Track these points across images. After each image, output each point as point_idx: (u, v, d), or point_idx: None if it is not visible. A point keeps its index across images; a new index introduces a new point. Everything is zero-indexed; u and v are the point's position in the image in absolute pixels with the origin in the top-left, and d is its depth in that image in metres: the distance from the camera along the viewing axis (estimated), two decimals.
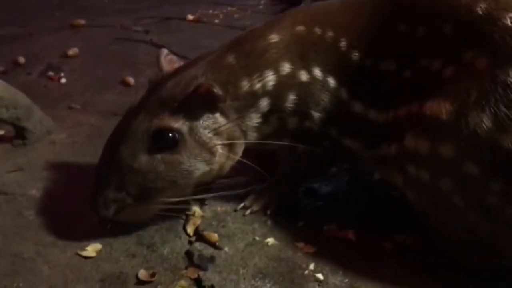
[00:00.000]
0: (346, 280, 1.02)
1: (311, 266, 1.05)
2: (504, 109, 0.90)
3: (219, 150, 1.13)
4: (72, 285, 1.03)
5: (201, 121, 1.11)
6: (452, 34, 1.00)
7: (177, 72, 1.19)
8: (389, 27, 1.09)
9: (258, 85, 1.15)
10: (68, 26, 2.85)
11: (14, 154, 1.53)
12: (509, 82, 0.91)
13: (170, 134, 1.09)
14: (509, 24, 0.94)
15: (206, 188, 1.18)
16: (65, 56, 2.42)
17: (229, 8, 3.12)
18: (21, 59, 2.35)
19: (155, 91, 1.15)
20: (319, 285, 1.01)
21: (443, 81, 0.98)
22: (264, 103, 1.16)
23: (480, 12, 0.97)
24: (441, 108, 0.94)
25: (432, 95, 0.97)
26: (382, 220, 1.17)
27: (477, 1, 0.98)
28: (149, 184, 1.09)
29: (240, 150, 1.18)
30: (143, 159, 1.09)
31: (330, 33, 1.14)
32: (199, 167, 1.11)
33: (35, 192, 1.34)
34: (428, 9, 1.05)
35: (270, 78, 1.15)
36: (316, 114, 1.15)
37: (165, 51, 1.28)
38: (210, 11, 3.06)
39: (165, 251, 1.11)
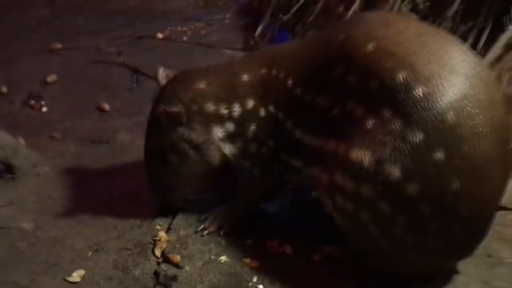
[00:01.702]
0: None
1: (254, 279, 1.30)
2: (410, 164, 1.10)
3: (194, 158, 1.46)
4: None
5: (174, 134, 1.45)
6: (377, 90, 1.16)
7: (160, 93, 1.53)
8: (327, 68, 1.27)
9: (224, 111, 1.44)
10: (46, 50, 3.00)
11: (5, 188, 1.75)
12: (415, 144, 1.09)
13: (160, 150, 1.47)
14: (420, 95, 1.10)
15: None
16: (45, 82, 2.61)
17: (196, 24, 3.30)
18: (4, 88, 2.54)
19: (151, 111, 1.54)
20: None
21: (365, 129, 1.16)
22: (229, 125, 1.44)
23: (400, 79, 1.13)
24: (363, 156, 1.14)
25: (357, 140, 1.17)
26: (314, 234, 1.42)
27: (399, 69, 1.13)
28: (161, 178, 1.52)
29: (214, 157, 1.46)
30: (151, 168, 1.53)
31: (282, 74, 1.39)
32: (183, 169, 1.48)
33: (26, 224, 1.58)
34: (361, 63, 1.20)
35: (236, 109, 1.43)
36: (270, 142, 1.40)
37: (161, 69, 1.59)
38: (179, 28, 3.24)
39: (137, 273, 1.36)
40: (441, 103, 1.09)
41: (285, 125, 1.37)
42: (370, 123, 1.16)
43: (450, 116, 1.08)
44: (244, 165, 1.47)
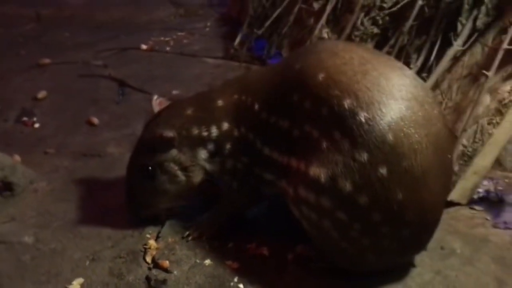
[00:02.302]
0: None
1: (235, 279, 1.47)
2: (359, 179, 1.26)
3: (183, 177, 1.64)
4: None
5: (166, 156, 1.62)
6: (327, 115, 1.32)
7: (154, 117, 1.72)
8: (287, 94, 1.43)
9: (205, 133, 1.62)
10: (35, 65, 3.13)
11: (5, 205, 1.89)
12: (362, 162, 1.25)
13: (150, 169, 1.63)
14: (363, 120, 1.26)
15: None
16: (36, 99, 2.74)
17: (179, 33, 3.44)
18: None
19: (141, 135, 1.71)
20: None
21: (321, 149, 1.32)
22: (210, 146, 1.62)
23: (346, 106, 1.28)
24: (320, 173, 1.30)
25: (315, 159, 1.33)
26: (288, 236, 1.58)
27: (345, 97, 1.29)
28: (148, 200, 1.69)
29: (198, 177, 1.65)
30: (140, 184, 1.67)
31: (249, 99, 1.55)
32: (172, 188, 1.65)
33: (28, 238, 1.72)
34: (313, 91, 1.36)
35: (214, 131, 1.61)
36: (244, 158, 1.57)
37: (155, 96, 1.82)
38: (162, 38, 3.38)
39: (130, 279, 1.51)
40: (380, 126, 1.25)
41: (255, 144, 1.53)
42: (324, 144, 1.32)
43: (389, 137, 1.24)
44: (223, 179, 1.65)
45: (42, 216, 1.83)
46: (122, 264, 1.57)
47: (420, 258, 1.50)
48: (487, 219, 1.63)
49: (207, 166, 1.63)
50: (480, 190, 1.71)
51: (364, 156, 1.25)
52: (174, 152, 1.62)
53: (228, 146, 1.60)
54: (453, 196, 1.65)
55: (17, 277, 1.58)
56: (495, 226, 1.60)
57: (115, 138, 2.34)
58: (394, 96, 1.28)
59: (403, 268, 1.47)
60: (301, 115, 1.39)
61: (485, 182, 1.73)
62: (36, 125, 2.52)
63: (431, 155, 1.27)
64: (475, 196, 1.70)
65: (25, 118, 2.57)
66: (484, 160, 1.66)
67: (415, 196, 1.27)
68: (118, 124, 2.45)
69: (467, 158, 1.66)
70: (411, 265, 1.47)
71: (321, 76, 1.35)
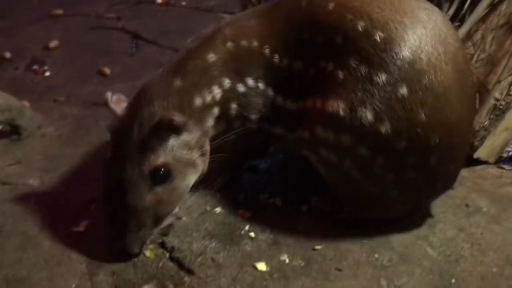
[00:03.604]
0: (272, 236, 1.38)
1: (246, 227, 1.40)
2: (379, 105, 1.21)
3: (199, 159, 1.34)
4: (67, 253, 1.37)
5: (176, 146, 1.29)
6: (342, 43, 1.27)
7: (134, 113, 1.31)
8: (297, 33, 1.35)
9: (208, 98, 1.36)
10: (48, 16, 3.06)
11: (12, 148, 1.84)
12: (381, 84, 1.20)
13: (162, 170, 1.26)
14: (379, 40, 1.22)
15: None
16: (47, 48, 2.68)
17: None
18: (7, 54, 2.61)
19: (125, 139, 1.28)
20: (251, 241, 1.36)
21: (337, 82, 1.25)
22: (215, 110, 1.38)
23: (360, 29, 1.25)
24: (338, 107, 1.24)
25: (331, 93, 1.26)
26: (302, 188, 1.50)
27: (358, 20, 1.25)
28: (160, 213, 1.31)
29: (208, 147, 1.38)
30: (150, 198, 1.27)
31: (255, 43, 1.39)
32: (191, 179, 1.34)
33: (33, 181, 1.67)
34: (324, 22, 1.31)
35: (217, 91, 1.37)
36: (253, 116, 1.40)
37: (109, 94, 1.37)
38: None
39: None
40: (397, 44, 1.21)
41: (266, 94, 1.38)
42: (340, 75, 1.25)
43: (407, 54, 1.21)
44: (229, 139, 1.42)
45: (48, 160, 1.77)
46: None
47: (444, 215, 1.42)
48: None
49: (212, 131, 1.39)
50: (510, 148, 1.61)
51: (383, 77, 1.20)
52: (184, 136, 1.30)
53: (234, 105, 1.39)
54: (481, 153, 1.56)
55: (20, 217, 1.53)
56: None
57: (126, 89, 2.25)
58: (407, 14, 1.24)
59: (425, 224, 1.39)
60: (314, 51, 1.31)
61: None
62: (47, 74, 2.46)
63: (451, 73, 1.23)
64: (504, 155, 1.60)
65: (35, 67, 2.51)
66: None
67: (439, 115, 1.21)
68: (130, 76, 2.37)
69: (499, 112, 1.55)
70: (430, 215, 1.39)
71: (331, 5, 1.31)
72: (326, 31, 1.30)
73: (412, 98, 1.19)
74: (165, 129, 1.26)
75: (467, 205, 1.45)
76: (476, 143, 1.56)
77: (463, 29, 1.70)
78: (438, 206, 1.44)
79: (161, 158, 1.26)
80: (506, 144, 1.58)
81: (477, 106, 1.55)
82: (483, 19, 1.70)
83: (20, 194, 1.63)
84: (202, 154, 1.35)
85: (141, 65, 2.47)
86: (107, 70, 2.42)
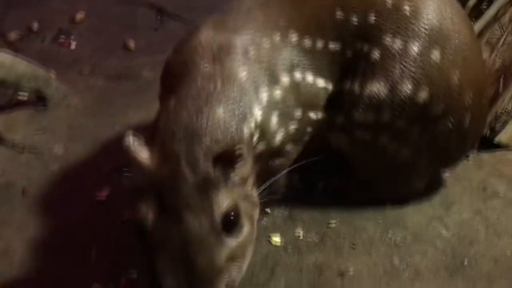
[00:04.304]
0: (287, 212, 1.40)
1: None
2: (417, 73, 1.22)
3: (253, 191, 1.08)
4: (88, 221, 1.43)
5: (236, 182, 1.00)
6: (374, 22, 1.25)
7: (173, 156, 0.99)
8: (330, 14, 1.28)
9: (252, 122, 1.12)
10: None
11: (38, 118, 1.89)
12: (415, 53, 1.21)
13: (232, 214, 0.96)
14: (407, 12, 1.23)
15: None
16: (73, 20, 2.71)
17: None
18: (35, 26, 2.65)
19: (173, 189, 0.95)
20: (267, 216, 1.39)
21: (374, 62, 1.24)
22: (258, 130, 1.16)
23: (390, 4, 1.24)
24: (378, 89, 1.23)
25: (369, 75, 1.24)
26: (319, 166, 1.51)
27: None
28: (234, 276, 0.98)
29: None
30: (225, 254, 0.95)
31: (288, 31, 1.23)
32: (256, 218, 1.06)
33: (58, 149, 1.72)
34: (355, 1, 1.27)
35: (258, 111, 1.15)
36: (293, 125, 1.24)
37: (130, 139, 1.01)
38: None
39: None
40: (424, 13, 1.24)
41: (305, 81, 1.25)
42: (376, 55, 1.24)
43: (434, 21, 1.24)
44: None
45: (73, 130, 1.81)
46: None
47: (460, 198, 1.42)
48: None
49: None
50: None
51: (416, 48, 1.23)
52: (240, 169, 1.01)
53: (274, 118, 1.19)
54: (502, 138, 1.53)
55: (45, 185, 1.58)
56: None
57: (150, 63, 2.29)
58: None
59: (440, 206, 1.39)
60: (350, 32, 1.27)
61: None
62: (73, 46, 2.49)
63: (469, 32, 1.30)
64: None
65: (61, 39, 2.54)
66: None
67: (468, 75, 1.26)
68: (154, 50, 2.39)
69: None
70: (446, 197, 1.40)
71: None
72: (357, 11, 1.27)
73: (445, 61, 1.22)
74: (226, 163, 0.98)
75: (484, 189, 1.43)
76: (497, 128, 1.53)
77: (491, 11, 1.66)
78: (455, 189, 1.44)
79: (230, 199, 0.96)
80: None
81: (501, 89, 1.53)
82: None
83: (44, 161, 1.68)
84: (253, 184, 1.10)
85: (165, 40, 2.48)
86: (132, 44, 2.44)
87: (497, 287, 1.17)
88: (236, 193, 0.99)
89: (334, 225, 1.36)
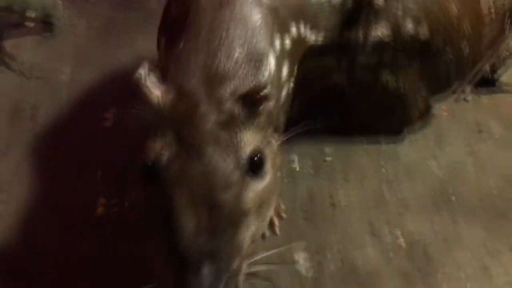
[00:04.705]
0: (284, 145, 1.44)
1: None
2: (417, 12, 1.23)
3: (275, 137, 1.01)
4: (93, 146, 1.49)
5: (262, 124, 0.93)
6: None
7: (196, 91, 0.92)
8: None
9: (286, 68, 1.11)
10: None
11: (44, 44, 1.90)
12: None
13: (257, 156, 0.89)
14: None
15: None
16: None
17: None
18: None
19: (195, 125, 0.88)
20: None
21: (377, 9, 1.24)
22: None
23: None
24: (382, 33, 1.25)
25: (372, 22, 1.25)
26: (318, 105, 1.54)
27: None
28: (258, 223, 0.90)
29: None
30: (251, 197, 0.87)
31: None
32: (277, 166, 0.98)
33: (64, 76, 1.76)
34: None
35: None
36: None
37: (142, 71, 0.92)
38: None
39: None
40: None
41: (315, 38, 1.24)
42: (380, 0, 1.24)
43: None
44: None
45: (80, 56, 1.84)
46: None
47: (455, 138, 1.46)
48: None
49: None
50: None
51: None
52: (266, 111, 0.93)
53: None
54: (503, 78, 1.55)
55: (53, 110, 1.63)
56: None
57: None
58: None
59: (434, 145, 1.43)
60: None
61: None
62: None
63: None
64: None
65: None
66: None
67: (465, 5, 1.29)
68: None
69: None
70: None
71: None
72: None
73: None
74: (252, 103, 0.91)
75: (480, 130, 1.47)
76: (500, 69, 1.54)
77: None
78: (451, 128, 1.48)
79: (257, 140, 0.90)
80: None
81: (507, 31, 1.52)
82: None
83: (52, 87, 1.72)
84: (275, 130, 1.04)
85: None
86: None
87: (479, 221, 1.23)
88: (262, 135, 0.92)
89: (329, 158, 1.41)
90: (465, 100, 1.56)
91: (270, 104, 0.92)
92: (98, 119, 1.56)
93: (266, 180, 0.89)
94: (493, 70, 1.54)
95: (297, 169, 1.39)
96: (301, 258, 1.16)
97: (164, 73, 0.94)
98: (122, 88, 1.65)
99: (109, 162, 1.43)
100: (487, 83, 1.56)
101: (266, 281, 0.91)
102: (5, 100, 1.70)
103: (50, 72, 1.77)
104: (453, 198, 1.30)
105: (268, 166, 0.90)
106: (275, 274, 0.91)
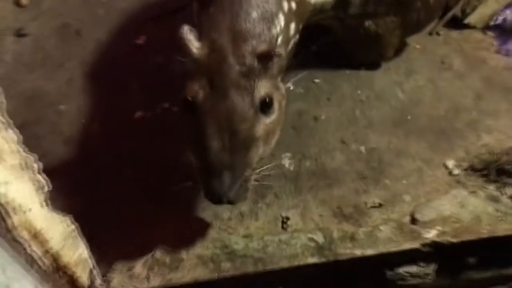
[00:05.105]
0: None
1: None
2: None
3: (281, 84, 1.31)
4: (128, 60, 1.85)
5: (274, 76, 1.23)
6: None
7: (226, 45, 1.19)
8: None
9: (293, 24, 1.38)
10: None
11: None
12: None
13: (268, 99, 1.19)
14: None
15: None
16: None
17: None
18: None
19: (224, 73, 1.16)
20: None
21: None
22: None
23: None
24: None
25: None
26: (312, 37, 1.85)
27: None
28: (264, 149, 1.21)
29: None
30: (260, 129, 1.18)
31: None
32: (283, 108, 1.28)
33: None
34: None
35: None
36: None
37: (185, 28, 1.20)
38: None
39: None
40: None
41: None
42: None
43: None
44: None
45: None
46: None
47: (421, 68, 1.78)
48: (493, 44, 1.83)
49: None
50: (499, 18, 1.87)
51: None
52: (278, 65, 1.23)
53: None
54: (471, 19, 1.83)
55: (93, 26, 1.98)
56: (497, 51, 1.81)
57: None
58: None
59: (403, 73, 1.77)
60: None
61: (507, 11, 1.87)
62: None
63: None
64: (492, 23, 1.86)
65: None
66: None
67: None
68: None
69: None
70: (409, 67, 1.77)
71: None
72: None
73: None
74: (267, 59, 1.18)
75: (443, 62, 1.79)
76: (468, 11, 1.82)
77: None
78: (419, 60, 1.80)
79: (267, 87, 1.20)
80: (494, 14, 1.83)
81: None
82: None
83: (91, 5, 2.05)
84: (282, 79, 1.34)
85: None
86: None
87: (425, 137, 1.60)
88: (272, 83, 1.21)
89: (317, 81, 1.76)
90: (437, 34, 1.87)
91: (281, 59, 1.21)
92: (131, 38, 1.91)
93: (273, 117, 1.21)
94: (463, 11, 1.83)
95: (291, 88, 1.75)
96: (286, 158, 1.57)
97: (198, 31, 1.22)
98: (152, 12, 1.98)
99: (141, 76, 1.80)
100: (458, 22, 1.85)
101: (263, 181, 1.25)
102: (52, 15, 2.04)
103: None
104: (409, 117, 1.66)
105: (276, 107, 1.22)
106: (268, 174, 1.27)
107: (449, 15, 1.85)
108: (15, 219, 0.86)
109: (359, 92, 1.73)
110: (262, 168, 1.23)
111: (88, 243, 1.22)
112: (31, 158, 0.92)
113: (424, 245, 1.33)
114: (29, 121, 1.68)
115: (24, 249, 0.90)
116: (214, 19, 1.25)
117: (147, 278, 1.31)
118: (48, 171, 1.07)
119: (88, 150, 1.62)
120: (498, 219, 1.36)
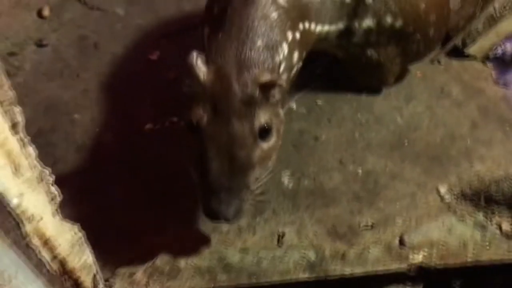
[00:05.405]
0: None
1: None
2: (394, 11, 1.59)
3: (282, 111, 1.38)
4: (143, 75, 1.94)
5: (274, 104, 1.30)
6: None
7: (230, 73, 1.26)
8: None
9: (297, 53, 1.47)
10: None
11: None
12: None
13: (267, 126, 1.26)
14: None
15: None
16: None
17: None
18: None
19: (227, 99, 1.23)
20: None
21: (368, 5, 1.58)
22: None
23: None
24: (369, 23, 1.61)
25: (364, 14, 1.59)
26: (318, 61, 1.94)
27: None
28: (260, 172, 1.29)
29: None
30: (257, 154, 1.26)
31: None
32: (281, 134, 1.35)
33: (120, 10, 2.17)
34: None
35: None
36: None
37: (194, 55, 1.26)
38: None
39: None
40: None
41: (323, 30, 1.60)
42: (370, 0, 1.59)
43: None
44: None
45: None
46: None
47: (421, 95, 1.85)
48: (492, 75, 1.90)
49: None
50: (499, 49, 1.93)
51: None
52: (279, 94, 1.30)
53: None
54: (471, 50, 1.90)
55: (110, 40, 2.07)
56: (495, 82, 1.87)
57: None
58: None
59: (403, 99, 1.84)
60: None
61: (507, 44, 1.94)
62: None
63: None
64: (491, 54, 1.93)
65: None
66: (508, 26, 1.84)
67: (432, 1, 1.66)
68: None
69: (493, 21, 1.84)
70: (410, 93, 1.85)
71: None
72: None
73: None
74: (268, 89, 1.26)
75: (442, 90, 1.86)
76: (468, 42, 1.89)
77: None
78: (419, 87, 1.87)
79: (267, 115, 1.27)
80: (493, 45, 1.90)
81: (478, 12, 1.84)
82: None
83: (109, 19, 2.15)
84: (282, 105, 1.40)
85: None
86: None
87: (420, 162, 1.67)
88: (272, 111, 1.28)
89: (319, 102, 1.84)
90: (438, 62, 1.94)
91: (282, 89, 1.29)
92: (145, 53, 2.01)
93: (271, 143, 1.29)
94: (463, 42, 1.90)
95: (294, 108, 1.83)
96: (286, 175, 1.65)
97: (206, 55, 1.29)
98: (167, 28, 2.07)
99: (154, 90, 1.89)
100: (459, 52, 1.92)
101: (262, 197, 1.31)
102: (72, 27, 2.15)
103: (108, 6, 2.19)
104: (406, 142, 1.73)
105: (273, 133, 1.29)
106: (267, 189, 1.35)
107: (450, 44, 1.92)
108: (28, 227, 0.95)
109: (359, 115, 1.81)
110: (259, 184, 1.30)
111: (93, 249, 1.30)
112: (46, 171, 1.01)
113: (410, 266, 1.40)
114: (45, 128, 1.77)
115: (36, 254, 0.99)
116: (222, 46, 1.32)
117: (147, 285, 1.39)
118: (58, 177, 1.14)
119: (98, 158, 1.71)
120: (484, 246, 1.43)
